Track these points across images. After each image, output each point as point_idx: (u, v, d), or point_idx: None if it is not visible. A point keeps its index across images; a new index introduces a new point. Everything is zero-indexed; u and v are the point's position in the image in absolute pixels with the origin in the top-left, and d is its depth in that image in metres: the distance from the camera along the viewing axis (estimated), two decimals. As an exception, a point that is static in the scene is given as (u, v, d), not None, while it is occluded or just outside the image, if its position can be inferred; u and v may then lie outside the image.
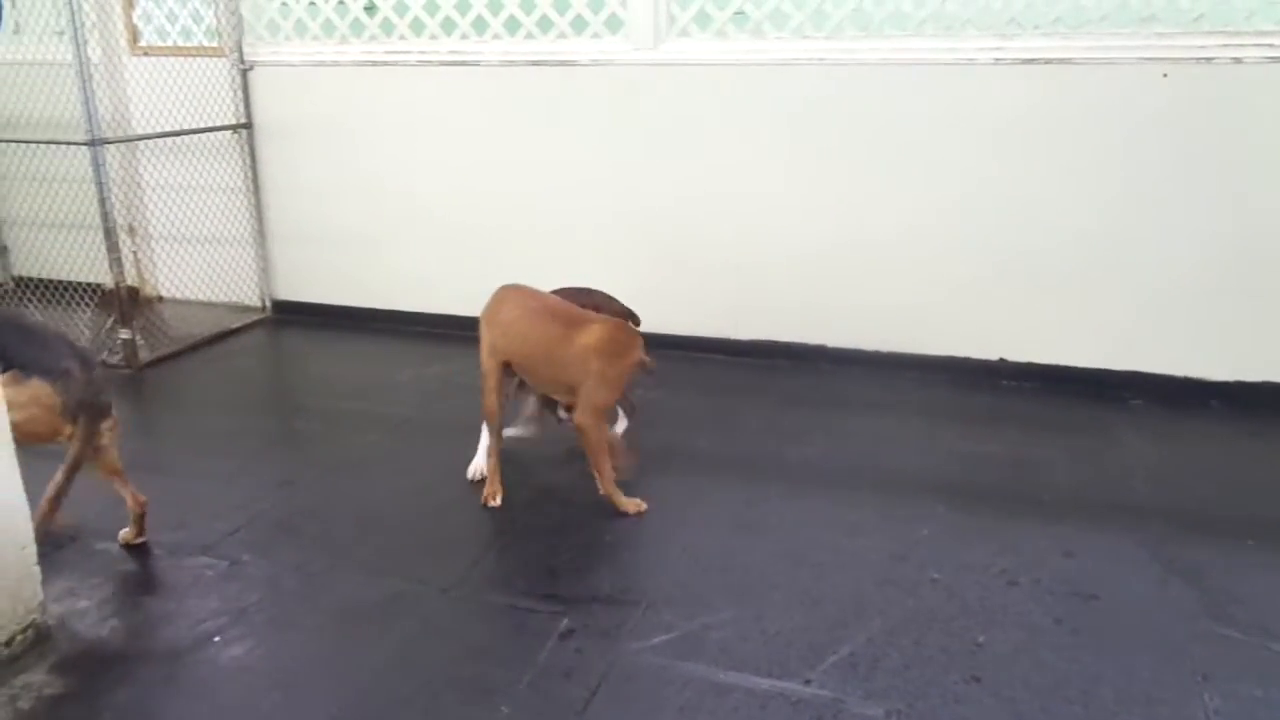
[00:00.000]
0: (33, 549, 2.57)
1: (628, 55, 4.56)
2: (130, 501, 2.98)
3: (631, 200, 4.73)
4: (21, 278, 5.65)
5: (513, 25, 4.74)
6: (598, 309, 3.39)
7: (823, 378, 4.49)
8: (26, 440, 2.60)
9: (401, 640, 2.59)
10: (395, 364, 4.77)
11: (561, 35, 4.67)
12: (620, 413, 3.66)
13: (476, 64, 4.81)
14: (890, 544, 3.03)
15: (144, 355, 4.74)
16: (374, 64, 4.99)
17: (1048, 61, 4.03)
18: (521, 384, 3.45)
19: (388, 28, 4.95)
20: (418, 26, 4.89)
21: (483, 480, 3.38)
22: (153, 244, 5.68)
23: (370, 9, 4.94)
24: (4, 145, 5.38)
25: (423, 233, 5.14)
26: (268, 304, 5.54)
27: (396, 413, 4.16)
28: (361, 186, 5.18)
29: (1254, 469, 3.59)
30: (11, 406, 2.54)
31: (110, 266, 4.64)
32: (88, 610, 2.72)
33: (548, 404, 3.46)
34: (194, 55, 5.24)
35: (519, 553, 3.09)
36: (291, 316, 5.49)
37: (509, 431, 3.50)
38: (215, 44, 5.22)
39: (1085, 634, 2.57)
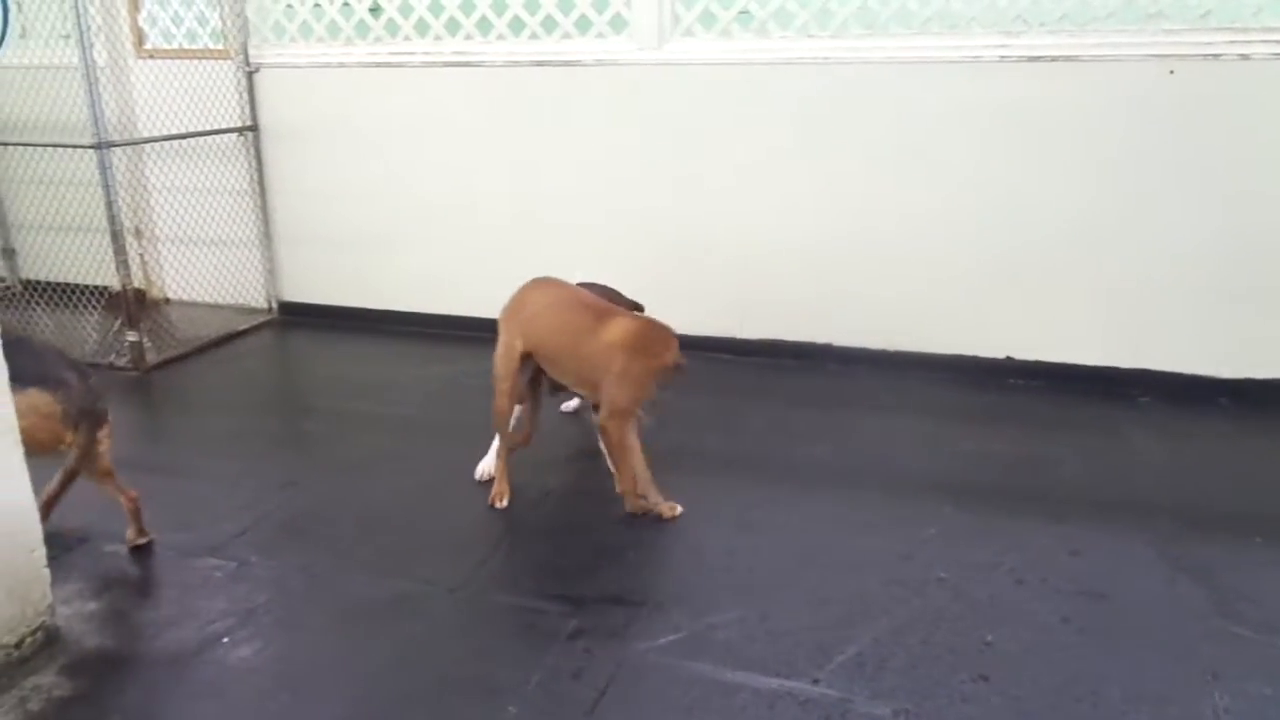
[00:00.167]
0: (42, 551, 2.57)
1: (632, 55, 4.56)
2: (123, 500, 2.99)
3: (636, 199, 4.73)
4: (29, 281, 5.67)
5: (517, 26, 4.75)
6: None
7: (829, 377, 4.48)
8: (28, 450, 2.61)
9: (409, 641, 2.59)
10: (401, 365, 4.78)
11: (566, 35, 4.67)
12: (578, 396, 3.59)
13: (481, 65, 4.82)
14: (897, 543, 3.02)
15: (151, 357, 4.75)
16: (379, 65, 4.99)
17: (1054, 59, 4.02)
18: (530, 383, 3.43)
19: (392, 29, 4.95)
20: (422, 27, 4.89)
21: (491, 480, 3.38)
22: (159, 246, 5.69)
23: (375, 10, 4.95)
24: (11, 149, 5.39)
25: (428, 234, 5.14)
26: (274, 306, 5.55)
27: (403, 413, 4.17)
28: (367, 188, 5.18)
29: (1263, 466, 3.58)
30: None
31: (117, 269, 4.65)
32: (97, 612, 2.72)
33: (552, 386, 3.42)
34: (199, 58, 5.26)
35: (526, 553, 3.10)
36: (298, 318, 5.50)
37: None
38: (220, 46, 5.23)
39: (1093, 633, 2.57)
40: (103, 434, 2.89)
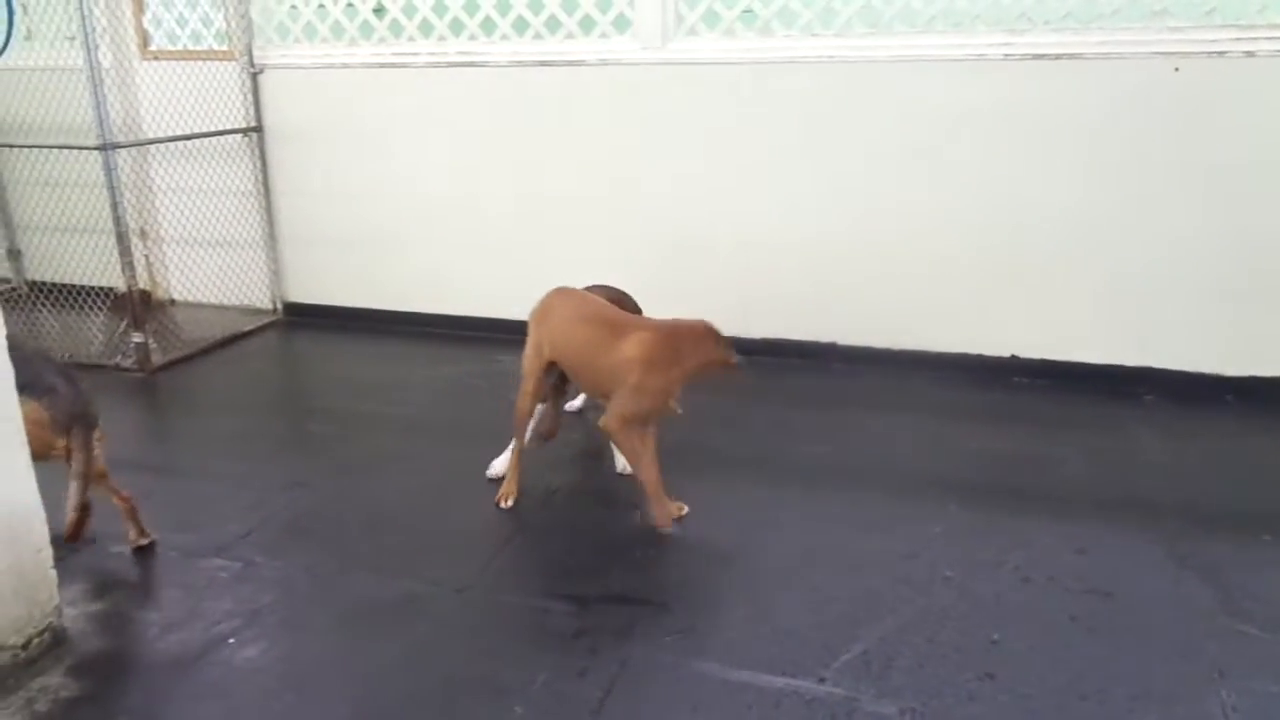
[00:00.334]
0: (49, 552, 2.58)
1: (635, 55, 4.56)
2: (117, 502, 2.99)
3: (640, 199, 4.73)
4: (35, 282, 5.69)
5: (521, 26, 4.75)
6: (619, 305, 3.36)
7: (833, 376, 4.48)
8: None
9: (415, 641, 2.59)
10: (407, 365, 4.79)
11: (569, 35, 4.68)
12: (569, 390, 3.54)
13: (485, 65, 4.82)
14: (902, 542, 3.02)
15: (156, 358, 4.75)
16: (383, 66, 5.00)
17: (1058, 57, 4.02)
18: (555, 387, 3.41)
19: (396, 29, 4.96)
20: (426, 28, 4.89)
21: (501, 479, 3.39)
22: (164, 247, 5.71)
23: (379, 11, 4.95)
24: (16, 150, 5.41)
25: (433, 234, 5.15)
26: (279, 306, 5.55)
27: (408, 414, 4.17)
28: (372, 188, 5.19)
29: (1269, 464, 3.57)
30: None
31: (123, 270, 4.66)
32: (103, 613, 2.73)
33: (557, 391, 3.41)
34: (204, 59, 5.27)
35: (532, 553, 3.10)
36: (303, 319, 5.50)
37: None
38: (225, 48, 5.24)
39: (1100, 631, 2.56)
40: (96, 437, 2.89)
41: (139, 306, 4.70)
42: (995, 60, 4.09)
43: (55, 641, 2.56)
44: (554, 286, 3.37)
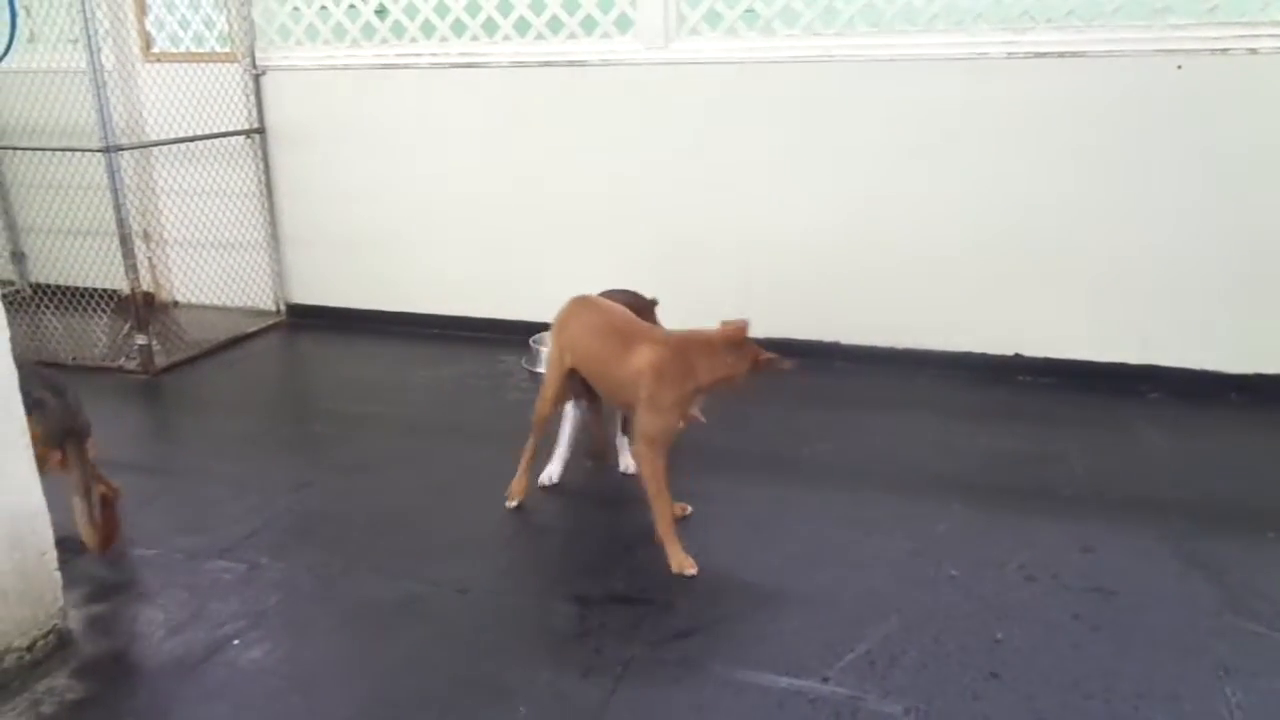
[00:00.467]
0: (53, 555, 2.58)
1: (638, 55, 4.56)
2: (103, 489, 2.98)
3: (642, 199, 4.73)
4: (39, 284, 5.69)
5: (523, 26, 4.75)
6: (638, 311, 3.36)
7: (837, 375, 4.48)
8: None
9: (419, 641, 2.59)
10: (410, 366, 4.79)
11: (571, 36, 4.68)
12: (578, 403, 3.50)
13: (487, 66, 4.82)
14: (907, 541, 3.02)
15: (160, 360, 4.76)
16: (385, 67, 5.00)
17: (1061, 55, 4.01)
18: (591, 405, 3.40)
19: (398, 31, 4.96)
20: (428, 29, 4.90)
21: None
22: (168, 249, 5.71)
23: (381, 12, 4.95)
24: (20, 153, 5.42)
25: (436, 234, 5.15)
26: (282, 308, 5.56)
27: (412, 415, 4.18)
28: (374, 189, 5.19)
29: (1274, 462, 3.56)
30: None
31: (126, 272, 4.66)
32: (108, 615, 2.73)
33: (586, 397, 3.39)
34: (207, 61, 5.27)
35: (535, 553, 3.10)
36: (306, 320, 5.51)
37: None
38: (228, 50, 5.25)
39: (1105, 629, 2.56)
40: (89, 445, 2.89)
41: (142, 308, 4.71)
42: (998, 59, 4.09)
43: (60, 644, 2.57)
44: (573, 295, 3.27)
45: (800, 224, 4.51)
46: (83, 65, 4.36)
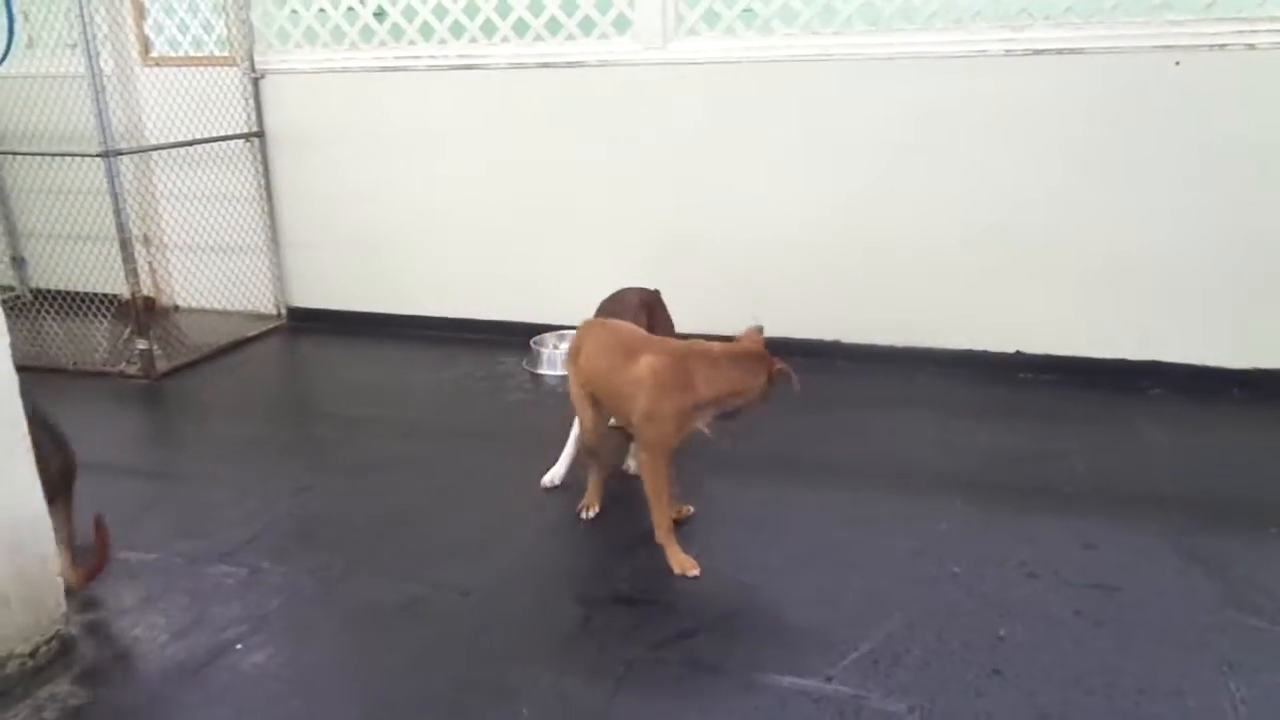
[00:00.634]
0: (55, 560, 2.59)
1: (636, 55, 4.56)
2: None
3: (642, 199, 4.73)
4: (39, 290, 5.69)
5: (521, 28, 4.75)
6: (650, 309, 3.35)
7: (838, 374, 4.47)
8: None
9: (421, 643, 2.59)
10: (411, 369, 4.79)
11: (570, 37, 4.68)
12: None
13: (486, 67, 4.82)
14: (909, 539, 3.01)
15: (161, 365, 4.76)
16: (384, 70, 5.00)
17: (1059, 52, 4.01)
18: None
19: (397, 33, 4.96)
20: (427, 31, 4.90)
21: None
22: (168, 254, 5.72)
23: (379, 15, 4.96)
24: (20, 158, 5.43)
25: (436, 237, 5.15)
26: (283, 311, 5.56)
27: (413, 417, 4.18)
28: (374, 191, 5.19)
29: (1276, 457, 3.56)
30: None
31: (126, 277, 4.66)
32: (110, 620, 2.73)
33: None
34: (205, 65, 5.27)
35: (537, 555, 3.09)
36: (307, 323, 5.51)
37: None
38: (226, 53, 5.25)
39: (1107, 626, 2.56)
40: (75, 485, 2.87)
41: (143, 313, 4.71)
42: (996, 56, 4.09)
43: (63, 649, 2.57)
44: (584, 320, 3.25)
45: (800, 223, 4.51)
46: (81, 70, 4.36)
